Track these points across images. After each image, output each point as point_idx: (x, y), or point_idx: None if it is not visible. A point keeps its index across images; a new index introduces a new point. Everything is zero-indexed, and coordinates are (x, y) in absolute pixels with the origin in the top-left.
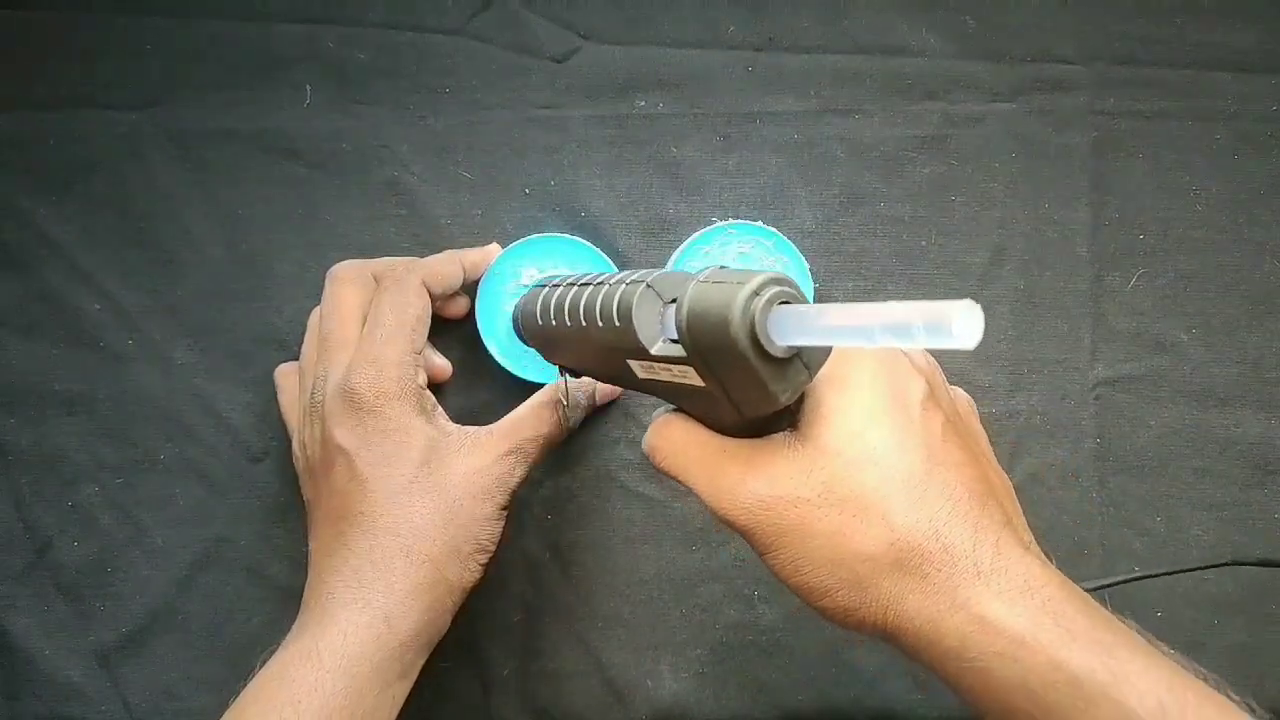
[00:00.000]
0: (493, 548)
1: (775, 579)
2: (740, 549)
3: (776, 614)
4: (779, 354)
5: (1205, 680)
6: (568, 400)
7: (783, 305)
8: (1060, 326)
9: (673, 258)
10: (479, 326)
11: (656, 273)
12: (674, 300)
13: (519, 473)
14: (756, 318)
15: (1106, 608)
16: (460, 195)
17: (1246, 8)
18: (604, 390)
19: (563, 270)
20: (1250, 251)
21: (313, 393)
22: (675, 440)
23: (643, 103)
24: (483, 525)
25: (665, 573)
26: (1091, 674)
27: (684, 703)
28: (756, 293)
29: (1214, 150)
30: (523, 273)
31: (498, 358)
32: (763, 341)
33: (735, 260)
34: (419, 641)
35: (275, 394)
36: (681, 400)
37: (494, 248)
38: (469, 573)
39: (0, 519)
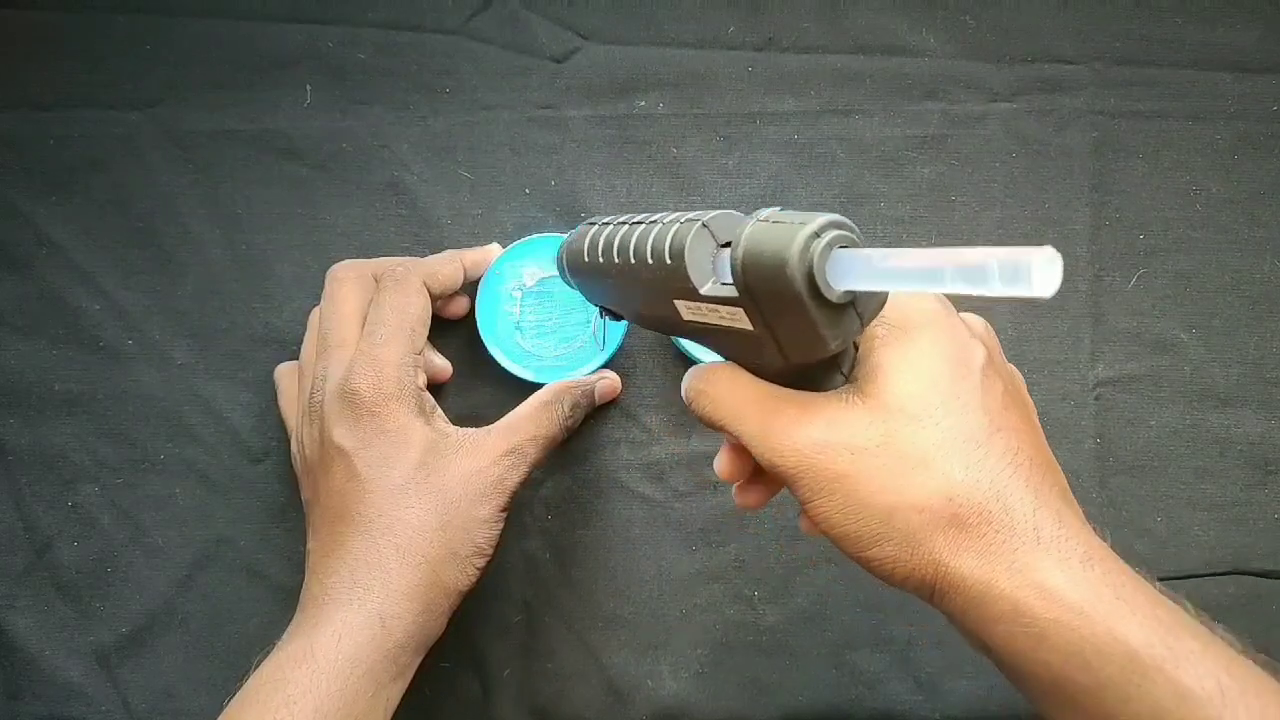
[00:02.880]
0: (490, 550)
1: (821, 528)
2: (741, 550)
3: (777, 615)
4: (835, 299)
5: (1264, 667)
6: (603, 341)
7: (842, 249)
8: (1060, 326)
9: None
10: (479, 326)
11: (711, 213)
12: (728, 243)
13: (518, 474)
14: (815, 260)
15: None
16: (460, 195)
17: (1246, 7)
18: (603, 390)
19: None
20: (1250, 251)
21: (312, 392)
22: (723, 385)
23: (643, 103)
24: (480, 527)
25: (665, 573)
26: (1150, 649)
27: (684, 703)
28: (817, 234)
29: (1214, 150)
30: (523, 273)
31: (498, 358)
32: (819, 284)
33: None
34: (414, 643)
35: (275, 394)
36: (723, 344)
37: (494, 248)
38: (465, 575)
39: (0, 519)
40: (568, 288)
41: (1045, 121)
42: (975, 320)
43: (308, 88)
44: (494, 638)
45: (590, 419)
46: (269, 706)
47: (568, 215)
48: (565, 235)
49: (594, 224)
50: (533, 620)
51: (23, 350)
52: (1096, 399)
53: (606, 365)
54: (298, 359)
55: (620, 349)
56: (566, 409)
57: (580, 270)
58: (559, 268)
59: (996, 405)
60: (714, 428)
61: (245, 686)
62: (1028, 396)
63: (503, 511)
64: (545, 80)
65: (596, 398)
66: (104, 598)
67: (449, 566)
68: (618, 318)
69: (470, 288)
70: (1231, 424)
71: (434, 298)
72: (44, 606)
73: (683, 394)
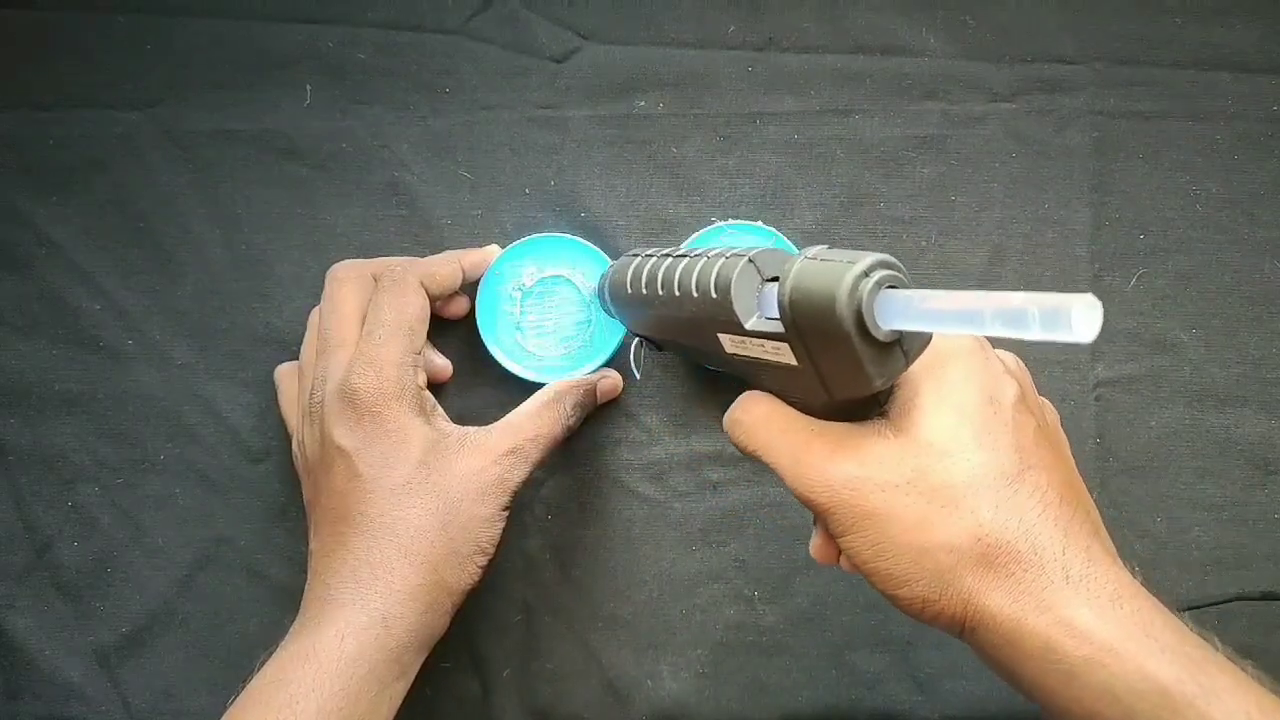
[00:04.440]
0: (492, 549)
1: (852, 562)
2: (740, 549)
3: (777, 615)
4: (882, 338)
5: None
6: (640, 369)
7: (890, 289)
8: None
9: None
10: (479, 326)
11: (756, 249)
12: (774, 278)
13: (519, 474)
14: (864, 299)
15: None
16: (460, 195)
17: (1246, 8)
18: (604, 389)
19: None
20: (1250, 251)
21: (312, 393)
22: (760, 415)
23: (643, 103)
24: (482, 527)
25: (665, 573)
26: (1180, 685)
27: (684, 703)
28: (866, 274)
29: (1214, 150)
30: (523, 273)
31: (498, 358)
32: (868, 324)
33: None
34: (416, 642)
35: (275, 394)
36: (766, 378)
37: (493, 249)
38: (467, 574)
39: (0, 519)
40: (567, 287)
41: (1045, 121)
42: (1007, 356)
43: (308, 88)
44: (494, 638)
45: (590, 419)
46: (272, 706)
47: (568, 215)
48: (565, 235)
49: (636, 255)
50: (533, 620)
51: (23, 350)
52: (1096, 399)
53: (608, 365)
54: (297, 359)
55: (620, 349)
56: (568, 408)
57: (622, 300)
58: (599, 297)
59: (1028, 442)
60: (749, 456)
61: (249, 686)
62: (1061, 433)
63: (504, 510)
64: (545, 80)
65: (598, 396)
66: (104, 598)
67: (451, 566)
68: (657, 347)
69: (470, 288)
70: (1231, 424)
71: (432, 299)
72: (44, 606)
73: (723, 422)
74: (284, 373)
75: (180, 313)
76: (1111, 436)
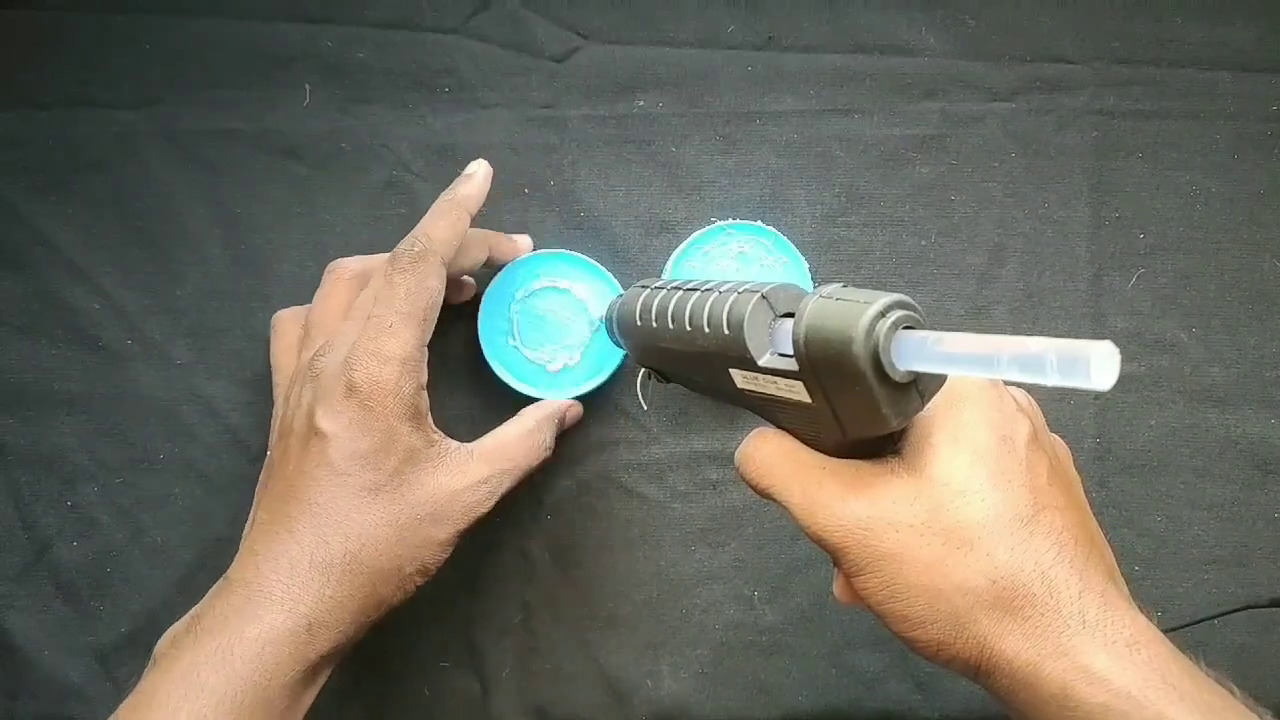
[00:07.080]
0: (434, 571)
1: (867, 603)
2: (740, 549)
3: (777, 614)
4: (899, 378)
5: None
6: (646, 403)
7: (907, 329)
8: (1060, 326)
9: (672, 257)
10: (480, 336)
11: (770, 284)
12: (787, 314)
13: (490, 503)
14: (881, 340)
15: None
16: None
17: (1246, 7)
18: (572, 416)
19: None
20: (1250, 251)
21: (316, 356)
22: (772, 453)
23: (643, 103)
24: (434, 549)
25: (665, 573)
26: None
27: (684, 703)
28: (882, 314)
29: (1214, 150)
30: (524, 284)
31: (497, 370)
32: (884, 365)
33: (734, 260)
34: (335, 653)
35: (273, 384)
36: (778, 414)
37: (525, 240)
38: (403, 591)
39: (0, 519)
40: (567, 301)
41: (1045, 121)
42: (1019, 393)
43: (307, 87)
44: (494, 638)
45: (590, 419)
46: (179, 715)
47: (567, 215)
48: (567, 252)
49: (645, 287)
50: (533, 620)
51: (23, 350)
52: (1096, 399)
53: (608, 384)
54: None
55: (621, 369)
56: (548, 439)
57: (631, 332)
58: (607, 327)
59: (1041, 483)
60: (760, 494)
61: (152, 682)
62: (1074, 472)
63: (459, 536)
64: (545, 80)
65: (565, 421)
66: (104, 598)
67: (389, 582)
68: (665, 380)
69: (479, 282)
70: (1231, 424)
71: (450, 278)
72: (44, 606)
73: (735, 459)
74: (285, 318)
75: (180, 313)
76: (1111, 435)
